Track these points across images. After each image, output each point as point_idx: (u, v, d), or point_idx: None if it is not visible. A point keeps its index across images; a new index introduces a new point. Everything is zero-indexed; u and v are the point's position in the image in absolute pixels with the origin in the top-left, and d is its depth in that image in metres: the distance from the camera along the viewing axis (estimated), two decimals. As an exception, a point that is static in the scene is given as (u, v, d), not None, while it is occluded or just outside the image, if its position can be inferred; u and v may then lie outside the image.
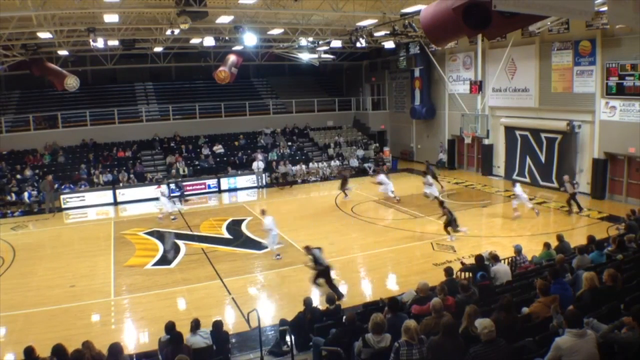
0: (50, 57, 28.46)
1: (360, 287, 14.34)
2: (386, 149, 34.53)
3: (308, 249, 13.66)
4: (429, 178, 23.67)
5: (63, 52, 28.01)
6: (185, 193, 26.91)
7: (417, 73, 33.06)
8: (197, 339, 8.89)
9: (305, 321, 9.32)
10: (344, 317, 8.23)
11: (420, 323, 6.82)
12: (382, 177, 24.30)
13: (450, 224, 17.28)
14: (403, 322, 6.44)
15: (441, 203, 18.61)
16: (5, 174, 28.86)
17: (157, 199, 23.46)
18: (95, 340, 8.85)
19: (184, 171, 29.54)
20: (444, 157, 32.19)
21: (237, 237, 19.38)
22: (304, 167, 31.00)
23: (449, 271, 10.19)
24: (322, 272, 13.28)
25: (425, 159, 29.65)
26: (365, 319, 7.39)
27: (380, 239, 18.11)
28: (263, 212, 17.87)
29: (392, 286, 14.21)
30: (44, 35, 21.92)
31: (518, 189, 20.10)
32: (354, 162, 32.25)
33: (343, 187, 24.76)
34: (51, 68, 27.53)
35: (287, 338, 9.33)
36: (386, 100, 38.08)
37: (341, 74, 39.84)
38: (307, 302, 9.88)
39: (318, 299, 12.34)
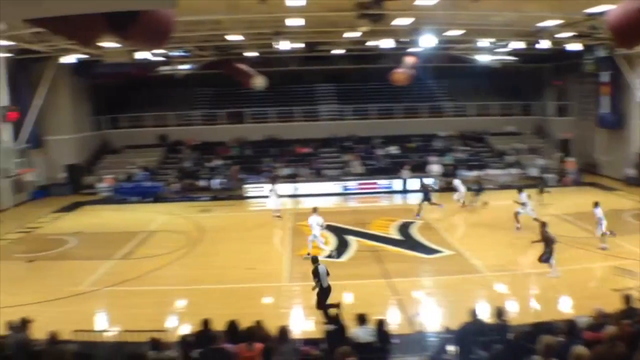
0: (240, 57, 30.85)
1: (530, 305, 13.66)
2: (570, 159, 31.74)
3: (315, 260, 12.93)
4: (523, 196, 21.14)
5: (251, 53, 30.18)
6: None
7: (603, 78, 30.36)
8: (361, 333, 9.15)
9: (470, 333, 9.23)
10: (511, 335, 8.04)
11: (591, 350, 6.50)
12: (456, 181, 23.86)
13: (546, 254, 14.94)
14: (574, 348, 6.19)
15: (543, 225, 15.65)
16: (198, 162, 32.11)
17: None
18: (265, 321, 9.55)
19: (359, 170, 30.35)
20: (633, 172, 29.31)
21: (407, 239, 19.52)
22: (479, 173, 30.15)
23: (628, 298, 9.44)
24: (322, 292, 12.49)
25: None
26: (532, 339, 7.16)
27: (556, 256, 17.05)
28: (314, 210, 18.16)
29: (564, 308, 13.38)
30: (234, 37, 23.91)
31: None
32: (533, 172, 30.62)
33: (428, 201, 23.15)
34: (240, 68, 29.83)
35: (449, 347, 9.30)
36: (571, 106, 35.42)
37: (522, 76, 37.83)
38: (474, 313, 9.75)
39: (485, 312, 12.03)
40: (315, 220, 17.57)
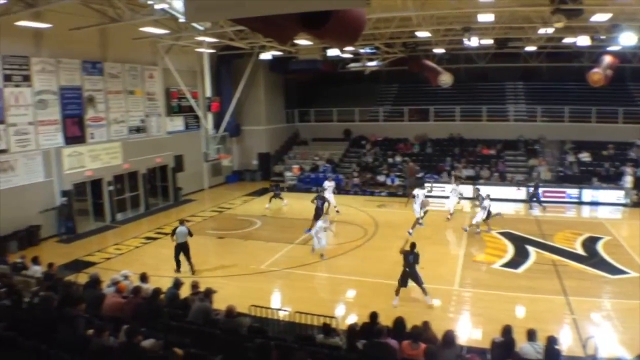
0: (427, 54, 30.81)
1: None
2: None
3: (181, 222, 16.48)
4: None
5: (439, 50, 29.98)
6: (541, 199, 26.04)
7: None
8: (529, 349, 8.79)
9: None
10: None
11: None
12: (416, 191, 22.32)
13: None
14: None
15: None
16: (378, 157, 32.74)
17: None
18: (432, 322, 9.62)
19: (545, 176, 28.72)
20: None
21: (591, 256, 18.04)
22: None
23: None
24: (178, 246, 16.20)
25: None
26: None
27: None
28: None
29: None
30: (422, 34, 23.98)
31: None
32: None
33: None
34: (427, 65, 29.79)
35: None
36: None
37: None
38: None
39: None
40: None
